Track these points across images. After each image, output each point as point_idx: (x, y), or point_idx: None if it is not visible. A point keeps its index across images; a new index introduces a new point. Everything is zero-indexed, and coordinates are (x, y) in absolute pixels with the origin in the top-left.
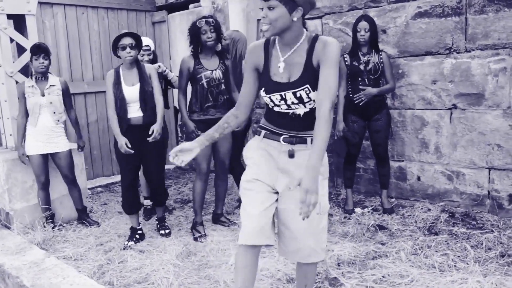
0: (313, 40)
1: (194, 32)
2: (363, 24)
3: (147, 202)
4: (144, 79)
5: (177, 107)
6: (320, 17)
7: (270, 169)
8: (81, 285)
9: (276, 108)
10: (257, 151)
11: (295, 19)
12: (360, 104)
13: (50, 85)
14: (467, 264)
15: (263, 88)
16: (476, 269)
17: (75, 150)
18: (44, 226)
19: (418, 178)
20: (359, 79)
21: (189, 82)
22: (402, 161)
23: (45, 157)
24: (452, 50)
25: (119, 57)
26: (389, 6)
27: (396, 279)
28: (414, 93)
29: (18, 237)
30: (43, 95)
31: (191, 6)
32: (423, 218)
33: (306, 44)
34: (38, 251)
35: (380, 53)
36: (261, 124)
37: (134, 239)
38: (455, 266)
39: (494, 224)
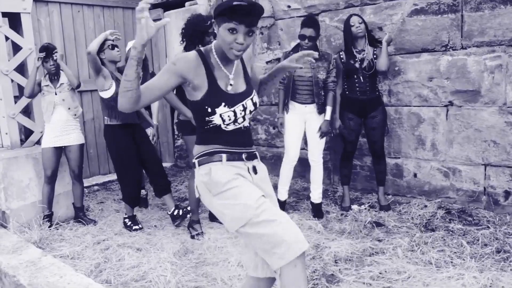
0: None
1: (200, 29)
2: (355, 18)
3: (142, 192)
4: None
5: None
6: (317, 15)
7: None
8: (78, 283)
9: (230, 127)
10: (233, 176)
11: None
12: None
13: (61, 83)
14: (464, 260)
15: (224, 103)
16: (473, 265)
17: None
18: (41, 225)
19: (415, 175)
20: (355, 76)
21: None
22: (399, 158)
23: (58, 151)
24: (448, 47)
25: (101, 58)
26: (385, 3)
27: (393, 275)
28: (410, 90)
29: (14, 236)
30: (56, 93)
31: (187, 4)
32: (419, 215)
33: (239, 61)
34: (35, 250)
35: (375, 49)
36: (212, 150)
37: (138, 225)
38: (451, 262)
39: (490, 220)
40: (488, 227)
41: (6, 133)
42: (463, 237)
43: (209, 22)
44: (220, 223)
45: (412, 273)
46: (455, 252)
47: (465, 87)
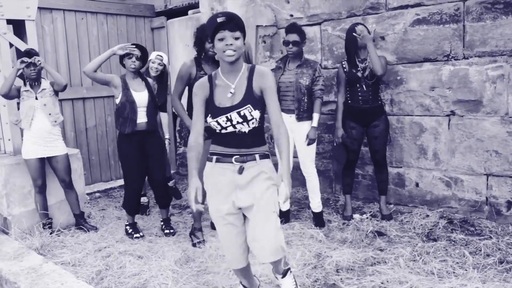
0: (251, 69)
1: (201, 37)
2: (361, 27)
3: (143, 200)
4: (150, 88)
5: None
6: (319, 24)
7: (228, 193)
8: None
9: (223, 131)
10: (214, 179)
11: (243, 50)
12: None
13: (42, 89)
14: (466, 270)
15: (210, 114)
16: (475, 276)
17: (74, 155)
18: (42, 232)
19: (417, 185)
20: (357, 85)
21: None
22: (401, 167)
23: (42, 160)
24: (450, 57)
25: (123, 65)
26: (388, 13)
27: (395, 285)
28: (412, 99)
29: (16, 242)
30: (36, 98)
31: (190, 12)
32: (421, 225)
33: (246, 72)
34: (36, 257)
35: None
36: (211, 150)
37: (140, 231)
38: (453, 272)
39: (493, 230)
40: (491, 237)
41: (9, 139)
42: (465, 247)
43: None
44: None
45: (414, 283)
46: (457, 263)
47: (467, 96)
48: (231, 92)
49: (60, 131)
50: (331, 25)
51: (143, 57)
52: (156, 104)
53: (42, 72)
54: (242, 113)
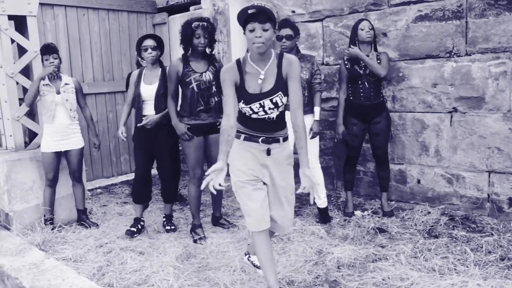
0: (280, 57)
1: (187, 33)
2: (366, 23)
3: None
4: (163, 80)
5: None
6: (321, 20)
7: (255, 165)
8: (80, 286)
9: (253, 116)
10: (242, 152)
11: (273, 38)
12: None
13: (65, 84)
14: (467, 267)
15: (242, 101)
16: (476, 272)
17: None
18: (43, 228)
19: (418, 181)
20: (359, 82)
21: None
22: (402, 164)
23: (58, 154)
24: (452, 53)
25: (143, 58)
26: (390, 9)
27: (396, 282)
28: (414, 96)
29: (17, 238)
30: (58, 93)
31: (191, 8)
32: (423, 221)
33: (276, 59)
34: (38, 252)
35: (378, 54)
36: (239, 129)
37: (137, 227)
38: (455, 269)
39: (494, 227)
40: (492, 234)
41: (11, 135)
42: (466, 244)
43: (194, 25)
44: (223, 227)
45: (415, 280)
46: (458, 259)
47: (469, 93)
48: (260, 79)
49: (78, 124)
50: (333, 22)
51: (159, 46)
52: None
53: (61, 67)
54: (274, 100)
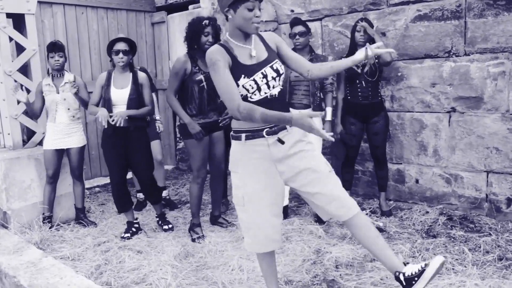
0: (258, 35)
1: (196, 30)
2: (364, 24)
3: (140, 195)
4: (135, 84)
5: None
6: (320, 19)
7: (267, 169)
8: (78, 285)
9: (255, 96)
10: (247, 160)
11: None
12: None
13: (65, 82)
14: (465, 267)
15: (243, 75)
16: (474, 272)
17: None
18: (41, 226)
19: (417, 181)
20: (357, 81)
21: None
22: (401, 163)
23: (59, 152)
24: (451, 53)
25: (112, 60)
26: (389, 9)
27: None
28: (413, 96)
29: (15, 236)
30: (58, 92)
31: (190, 7)
32: (421, 221)
33: (256, 37)
34: (36, 251)
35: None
36: (237, 128)
37: (131, 231)
38: (453, 269)
39: (492, 227)
40: (490, 234)
41: (9, 134)
42: (464, 244)
43: (204, 22)
44: (221, 226)
45: None
46: (456, 259)
47: (468, 93)
48: (252, 55)
49: (80, 123)
50: (332, 21)
51: (132, 50)
52: (140, 101)
53: (65, 64)
54: (275, 67)
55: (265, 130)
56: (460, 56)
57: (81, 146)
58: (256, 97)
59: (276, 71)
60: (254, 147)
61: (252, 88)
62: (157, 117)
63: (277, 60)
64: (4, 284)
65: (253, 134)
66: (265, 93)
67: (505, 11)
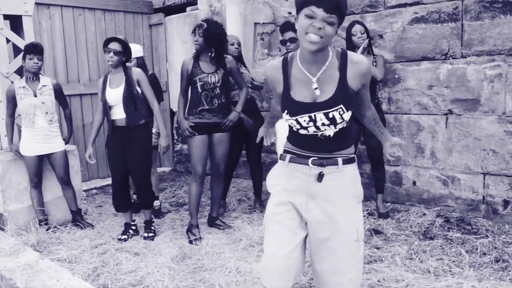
0: (343, 56)
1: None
2: (358, 27)
3: (156, 203)
4: (128, 82)
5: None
6: None
7: (300, 193)
8: (75, 287)
9: (302, 131)
10: (284, 178)
11: (333, 39)
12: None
13: (42, 85)
14: (462, 269)
15: (286, 111)
16: (471, 274)
17: (71, 151)
18: (38, 228)
19: (414, 183)
20: None
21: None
22: (398, 165)
23: (40, 158)
24: (448, 55)
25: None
26: (386, 11)
27: (392, 283)
28: (410, 98)
29: (12, 238)
30: (35, 95)
31: (188, 9)
32: (418, 223)
33: (336, 60)
34: (32, 253)
35: (374, 57)
36: (285, 148)
37: (128, 233)
38: (450, 271)
39: (489, 229)
40: (487, 236)
41: (5, 136)
42: (461, 245)
43: (196, 24)
44: (218, 229)
45: (411, 282)
46: (453, 261)
47: (465, 95)
48: (314, 88)
49: (58, 128)
50: None
51: (125, 51)
52: (136, 98)
53: (42, 68)
54: (330, 115)
55: (312, 158)
56: (457, 58)
57: (64, 150)
58: (303, 132)
59: (332, 119)
60: (294, 171)
61: (295, 126)
62: (153, 130)
63: (341, 106)
64: (0, 286)
65: (297, 157)
66: (315, 131)
67: (502, 14)
